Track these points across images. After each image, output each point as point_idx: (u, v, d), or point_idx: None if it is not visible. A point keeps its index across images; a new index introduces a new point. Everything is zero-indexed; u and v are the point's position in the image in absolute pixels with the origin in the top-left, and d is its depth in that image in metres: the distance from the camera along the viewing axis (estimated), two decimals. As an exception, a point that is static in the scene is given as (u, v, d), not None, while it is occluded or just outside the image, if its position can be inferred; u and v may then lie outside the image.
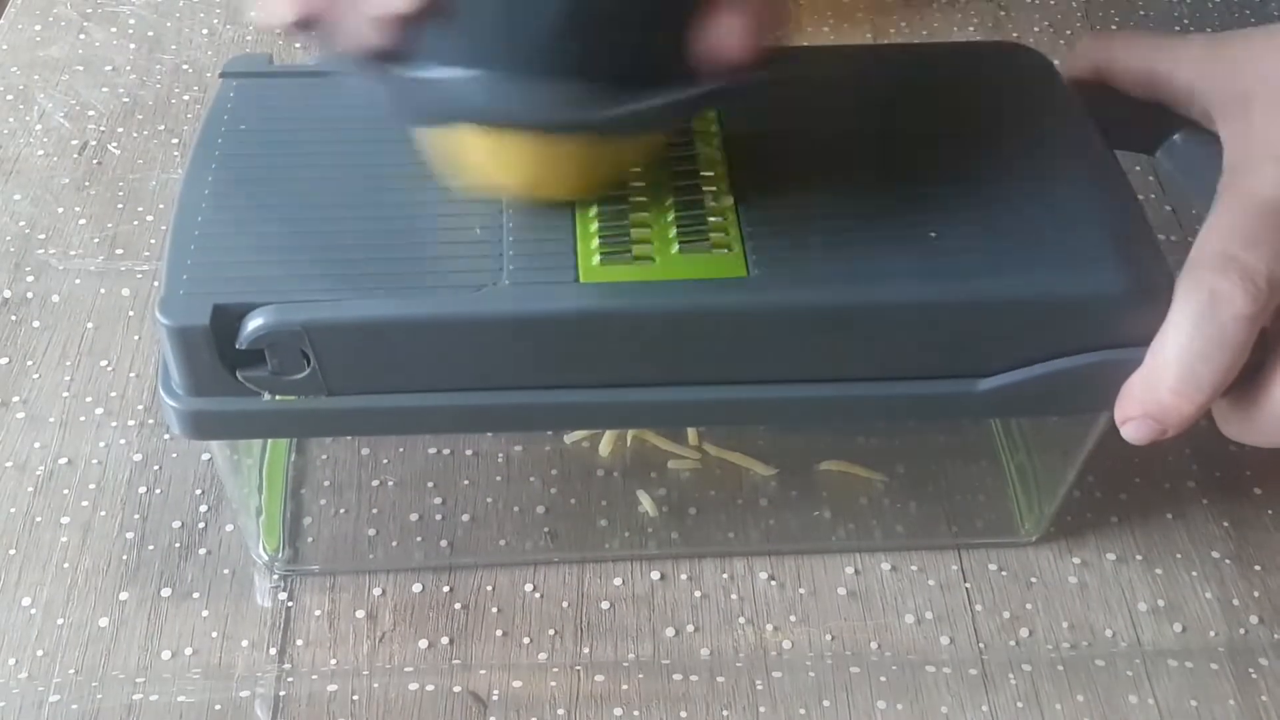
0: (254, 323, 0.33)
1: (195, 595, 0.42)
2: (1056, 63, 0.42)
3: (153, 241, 0.53)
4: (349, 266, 0.34)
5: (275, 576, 0.43)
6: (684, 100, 0.32)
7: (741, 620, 0.42)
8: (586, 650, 0.41)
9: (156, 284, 0.34)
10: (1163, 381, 0.34)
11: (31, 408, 0.47)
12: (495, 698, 0.40)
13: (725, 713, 0.40)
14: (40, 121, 0.59)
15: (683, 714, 0.40)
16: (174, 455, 0.46)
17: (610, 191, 0.36)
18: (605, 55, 0.31)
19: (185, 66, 0.62)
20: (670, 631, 0.42)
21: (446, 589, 0.43)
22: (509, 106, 0.32)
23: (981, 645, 0.42)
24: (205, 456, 0.46)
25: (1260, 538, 0.45)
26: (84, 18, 0.65)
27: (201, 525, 0.44)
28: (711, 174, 0.37)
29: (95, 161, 0.57)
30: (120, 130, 0.59)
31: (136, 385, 0.48)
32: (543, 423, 0.41)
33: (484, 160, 0.35)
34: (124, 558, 0.43)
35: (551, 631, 0.42)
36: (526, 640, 0.41)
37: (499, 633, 0.42)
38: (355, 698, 0.40)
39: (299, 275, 0.34)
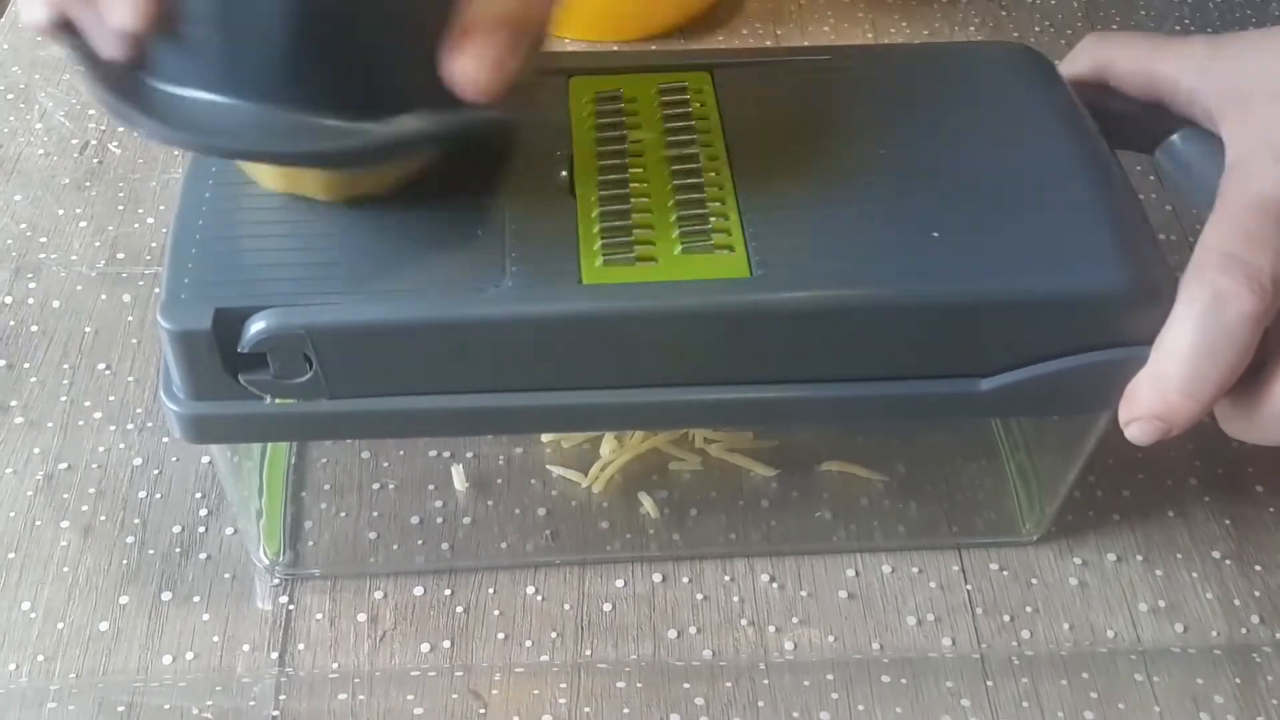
0: (256, 326, 0.33)
1: (196, 599, 0.42)
2: (1056, 63, 0.42)
3: (153, 245, 0.53)
4: (351, 269, 0.34)
5: (276, 580, 0.43)
6: (420, 135, 0.32)
7: (744, 622, 0.42)
8: (588, 652, 0.41)
9: (158, 291, 0.33)
10: (1168, 382, 0.34)
11: (30, 412, 0.47)
12: (496, 700, 0.40)
13: (727, 714, 0.40)
14: (41, 120, 0.59)
15: (685, 716, 0.40)
16: (174, 459, 0.46)
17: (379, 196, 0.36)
18: (340, 85, 0.31)
19: (184, 68, 0.62)
20: (672, 633, 0.42)
21: (448, 591, 0.43)
22: (238, 137, 0.31)
23: (983, 646, 0.42)
24: (205, 460, 0.46)
25: (1261, 537, 0.45)
26: (82, 19, 0.65)
27: (202, 529, 0.44)
28: (714, 174, 0.37)
29: (96, 160, 0.57)
30: (121, 130, 0.59)
31: (136, 389, 0.48)
32: (545, 425, 0.41)
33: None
34: (124, 561, 0.43)
35: (553, 633, 0.42)
36: (528, 642, 0.41)
37: (500, 635, 0.42)
38: (357, 700, 0.40)
39: (300, 278, 0.34)
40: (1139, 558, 0.44)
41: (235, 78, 0.31)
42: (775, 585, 0.43)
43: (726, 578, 0.43)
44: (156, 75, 0.31)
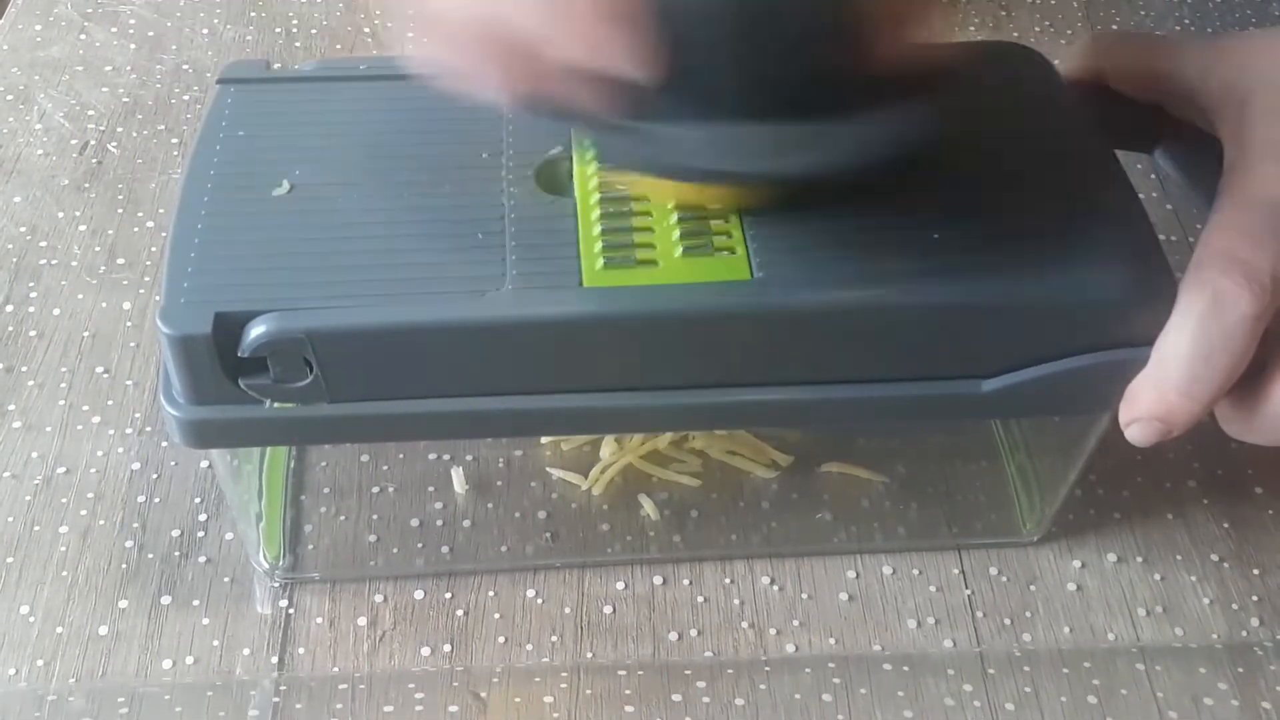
0: (256, 330, 0.33)
1: (195, 603, 0.42)
2: (1056, 63, 0.42)
3: (153, 249, 0.53)
4: (351, 273, 0.34)
5: (276, 584, 0.43)
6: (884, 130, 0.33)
7: (744, 624, 0.42)
8: (589, 654, 0.41)
9: (158, 298, 0.33)
10: (1168, 383, 0.34)
11: (28, 416, 0.47)
12: (496, 702, 0.40)
13: (727, 716, 0.40)
14: (40, 121, 0.59)
15: (685, 718, 0.40)
16: (173, 463, 0.46)
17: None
18: (796, 97, 0.32)
19: (186, 67, 0.62)
20: (673, 635, 0.42)
21: (448, 595, 0.43)
22: (724, 164, 0.32)
23: (983, 648, 0.42)
24: (204, 464, 0.45)
25: (1260, 538, 0.45)
26: (84, 18, 0.65)
27: (201, 533, 0.44)
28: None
29: (95, 161, 0.57)
30: (120, 130, 0.59)
31: (134, 393, 0.48)
32: (545, 428, 0.41)
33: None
34: (123, 566, 0.43)
35: (553, 636, 0.42)
36: (529, 646, 0.41)
37: (500, 638, 0.41)
38: (356, 704, 0.40)
39: (300, 282, 0.34)
40: (1139, 559, 0.44)
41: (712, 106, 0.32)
42: (775, 587, 0.43)
43: (727, 580, 0.43)
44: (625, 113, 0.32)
